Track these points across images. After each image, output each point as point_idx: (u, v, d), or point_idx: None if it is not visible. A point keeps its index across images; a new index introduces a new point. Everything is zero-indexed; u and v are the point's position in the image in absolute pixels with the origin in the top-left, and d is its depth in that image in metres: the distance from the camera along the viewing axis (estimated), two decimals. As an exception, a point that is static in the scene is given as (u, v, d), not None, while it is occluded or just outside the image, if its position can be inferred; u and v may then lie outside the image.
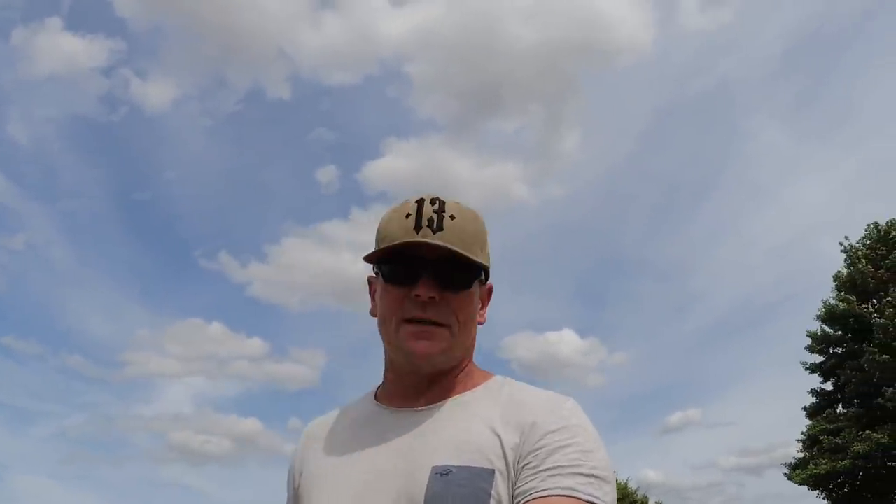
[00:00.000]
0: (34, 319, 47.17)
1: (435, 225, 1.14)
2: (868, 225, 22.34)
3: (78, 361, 43.07)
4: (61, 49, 41.90)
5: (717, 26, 45.81)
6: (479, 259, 1.17)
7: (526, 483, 1.03)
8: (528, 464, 1.05)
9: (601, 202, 54.32)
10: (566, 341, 45.10)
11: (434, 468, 1.06)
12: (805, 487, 22.63)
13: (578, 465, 1.03)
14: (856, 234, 22.62)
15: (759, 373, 47.03)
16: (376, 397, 1.27)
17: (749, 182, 48.42)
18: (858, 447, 20.08)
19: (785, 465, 23.71)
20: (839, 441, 21.00)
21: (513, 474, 1.05)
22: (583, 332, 49.07)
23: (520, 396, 1.16)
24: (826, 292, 23.21)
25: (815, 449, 22.27)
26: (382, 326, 1.21)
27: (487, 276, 1.25)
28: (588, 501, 1.00)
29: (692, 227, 49.10)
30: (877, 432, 20.00)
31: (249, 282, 47.52)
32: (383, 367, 1.27)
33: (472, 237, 1.17)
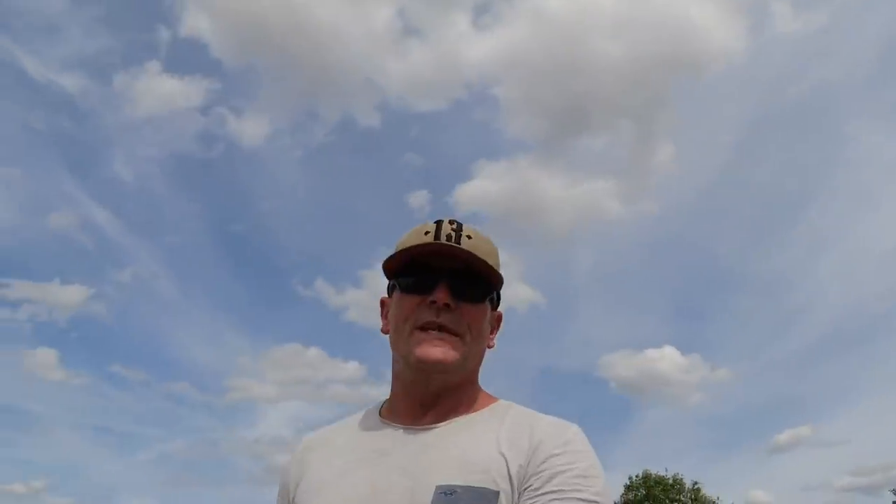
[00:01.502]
0: (141, 348, 50.90)
1: (453, 240, 1.19)
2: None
3: (183, 388, 46.17)
4: (160, 90, 45.61)
5: (811, 30, 45.45)
6: (494, 274, 1.21)
7: None
8: (529, 486, 1.07)
9: (697, 216, 53.46)
10: (667, 358, 44.65)
11: (438, 487, 1.07)
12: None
13: (579, 490, 1.05)
14: None
15: (873, 387, 45.92)
16: (381, 413, 1.28)
17: (853, 188, 47.45)
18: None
19: (893, 491, 23.99)
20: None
21: (515, 495, 1.07)
22: (684, 349, 48.30)
23: (525, 420, 1.18)
24: None
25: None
26: (395, 335, 1.23)
27: (499, 300, 1.29)
28: None
29: (794, 237, 48.40)
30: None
31: (345, 307, 49.55)
32: (391, 384, 1.29)
33: (487, 256, 1.20)
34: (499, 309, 1.31)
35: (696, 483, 30.71)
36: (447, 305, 1.18)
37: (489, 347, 1.29)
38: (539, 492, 1.06)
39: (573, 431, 1.15)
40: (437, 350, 1.17)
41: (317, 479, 1.21)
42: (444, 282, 1.19)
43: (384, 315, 1.30)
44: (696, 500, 30.06)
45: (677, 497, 30.39)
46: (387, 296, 1.31)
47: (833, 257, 47.04)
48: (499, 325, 1.32)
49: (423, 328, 1.19)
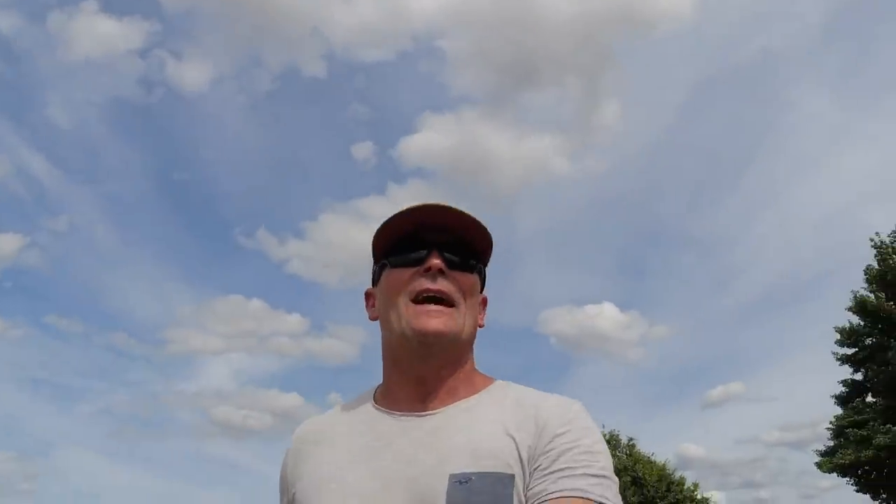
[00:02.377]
0: (78, 299, 49.23)
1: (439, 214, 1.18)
2: (900, 220, 22.57)
3: (122, 339, 45.47)
4: (98, 32, 42.73)
5: None
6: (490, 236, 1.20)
7: (537, 485, 1.04)
8: (538, 466, 1.06)
9: (641, 175, 54.19)
10: (606, 315, 44.90)
11: (452, 476, 1.05)
12: (834, 474, 23.32)
13: (588, 466, 1.05)
14: None
15: (803, 347, 47.08)
16: (375, 399, 1.25)
17: (793, 153, 47.83)
18: (881, 440, 20.67)
19: (815, 451, 24.36)
20: (864, 433, 21.58)
21: (527, 477, 1.06)
22: (623, 306, 49.16)
23: (527, 399, 1.16)
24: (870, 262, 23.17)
25: (841, 439, 22.87)
26: (389, 311, 1.20)
27: (484, 283, 1.28)
28: (598, 502, 1.02)
29: (734, 199, 48.84)
30: (900, 426, 20.55)
31: (288, 259, 48.45)
32: (383, 369, 1.26)
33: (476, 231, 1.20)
34: (484, 290, 1.29)
35: (631, 439, 31.15)
36: (441, 272, 1.16)
37: (480, 326, 1.26)
38: (548, 471, 1.05)
39: (576, 409, 1.15)
40: (435, 321, 1.15)
41: (318, 474, 1.17)
42: (436, 250, 1.18)
43: (370, 306, 1.29)
44: (630, 455, 30.41)
45: (613, 452, 30.66)
46: (371, 287, 1.29)
47: (771, 220, 47.88)
48: (485, 308, 1.30)
49: (418, 300, 1.16)
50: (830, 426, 23.86)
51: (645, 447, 31.79)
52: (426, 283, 1.16)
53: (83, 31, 43.80)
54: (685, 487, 30.55)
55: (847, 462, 22.03)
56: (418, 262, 1.18)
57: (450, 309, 1.17)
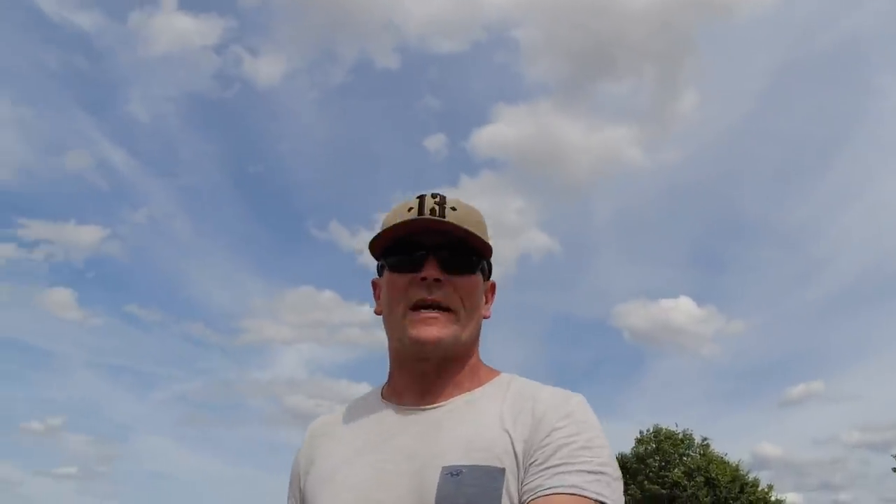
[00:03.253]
0: (156, 289, 52.72)
1: (437, 214, 1.17)
2: None
3: (198, 328, 47.94)
4: (175, 29, 45.20)
5: None
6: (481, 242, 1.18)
7: (532, 480, 1.03)
8: (534, 461, 1.05)
9: (720, 164, 53.92)
10: (681, 309, 44.48)
11: (444, 468, 1.06)
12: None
13: (585, 462, 1.04)
14: None
15: (888, 344, 47.20)
16: (383, 395, 1.26)
17: (879, 142, 47.31)
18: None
19: (895, 456, 24.47)
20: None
21: (521, 471, 1.05)
22: (699, 300, 48.99)
23: (527, 392, 1.16)
24: None
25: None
26: (388, 317, 1.22)
27: (490, 271, 1.28)
28: (594, 499, 1.01)
29: (817, 190, 48.44)
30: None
31: (360, 250, 47.86)
32: (388, 365, 1.27)
33: (474, 227, 1.18)
34: (492, 278, 1.29)
35: (705, 439, 31.30)
36: (437, 280, 1.16)
37: (485, 318, 1.27)
38: (544, 466, 1.04)
39: (575, 402, 1.13)
40: (431, 329, 1.15)
41: (324, 466, 1.21)
42: (433, 256, 1.17)
43: (376, 296, 1.29)
44: (704, 455, 30.67)
45: (686, 452, 31.07)
46: (377, 276, 1.29)
47: (855, 211, 47.09)
48: (493, 295, 1.30)
49: (416, 307, 1.17)
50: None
51: (719, 446, 31.70)
52: (422, 293, 1.16)
53: (162, 29, 46.13)
54: (759, 489, 30.71)
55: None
56: (414, 268, 1.17)
57: (448, 314, 1.17)
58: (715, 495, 29.02)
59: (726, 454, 31.19)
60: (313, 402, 45.54)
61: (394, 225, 1.17)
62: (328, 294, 48.94)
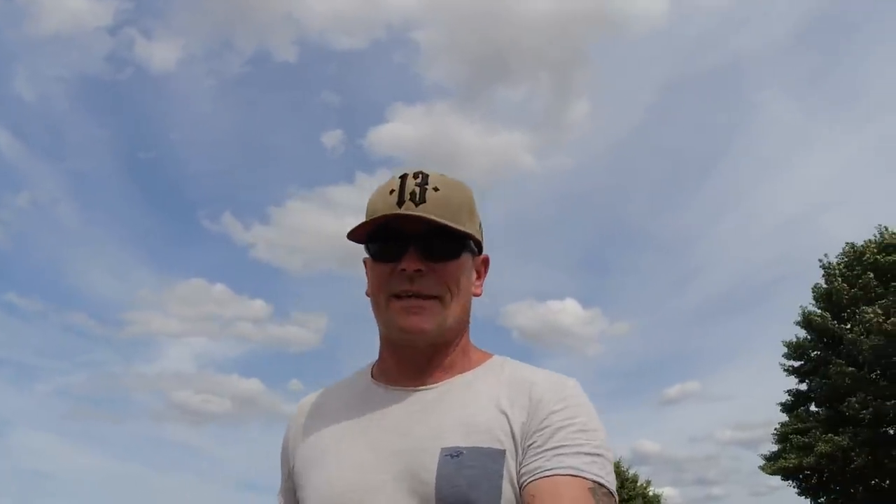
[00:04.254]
0: (38, 277, 47.48)
1: (417, 198, 1.13)
2: (846, 244, 24.17)
3: (81, 319, 44.19)
4: (66, 7, 42.37)
5: (731, 1, 46.44)
6: (466, 228, 1.15)
7: (531, 462, 1.04)
8: (533, 443, 1.06)
9: (608, 173, 54.70)
10: (568, 311, 45.61)
11: (444, 450, 1.06)
12: (777, 477, 25.04)
13: (582, 445, 1.05)
14: (863, 210, 23.51)
15: (759, 347, 48.34)
16: (373, 375, 1.25)
17: (756, 157, 49.14)
18: (822, 448, 22.34)
19: (760, 455, 26.01)
20: (806, 440, 23.27)
21: (520, 453, 1.06)
22: (585, 302, 49.86)
23: (523, 375, 1.16)
24: (835, 252, 24.74)
25: (785, 444, 24.54)
26: (374, 305, 1.21)
27: (480, 247, 1.24)
28: (592, 480, 1.02)
29: (697, 200, 49.82)
30: (839, 435, 22.22)
31: (253, 244, 47.66)
32: (379, 345, 1.26)
33: (457, 208, 1.15)
34: (484, 253, 1.26)
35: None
36: (418, 271, 1.13)
37: (476, 296, 1.25)
38: (542, 448, 1.05)
39: (571, 385, 1.15)
40: (415, 318, 1.14)
41: (315, 446, 1.20)
42: (414, 245, 1.14)
43: (367, 276, 1.25)
44: (588, 452, 31.62)
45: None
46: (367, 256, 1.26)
47: (732, 221, 48.44)
48: (486, 270, 1.28)
49: (399, 296, 1.15)
50: (775, 432, 25.57)
51: None
52: (404, 284, 1.14)
53: (52, 6, 42.95)
54: (638, 484, 32.12)
55: (790, 466, 23.70)
56: (395, 258, 1.15)
57: (433, 301, 1.15)
58: (597, 491, 29.97)
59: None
60: (201, 398, 43.79)
61: (367, 221, 1.15)
62: (219, 287, 46.23)
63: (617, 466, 31.57)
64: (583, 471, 1.02)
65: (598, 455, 1.05)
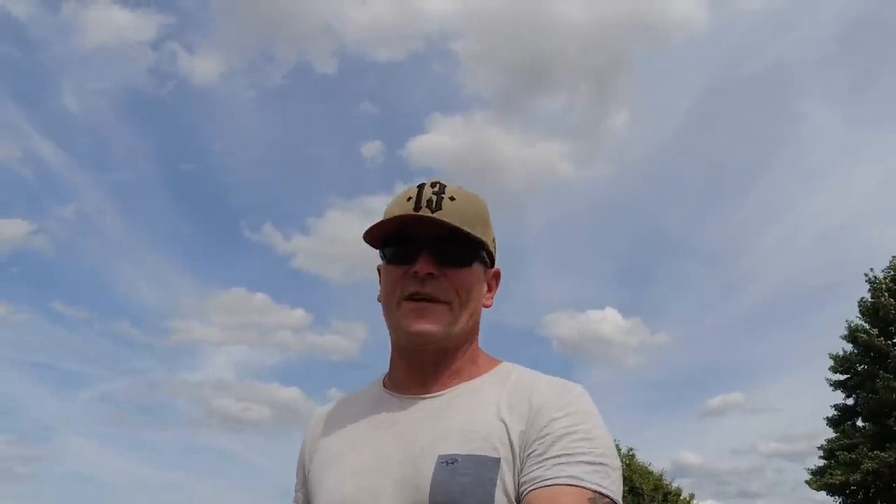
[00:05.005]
0: (83, 286, 48.55)
1: (434, 205, 1.15)
2: (892, 257, 23.93)
3: (125, 328, 45.01)
4: (111, 22, 43.14)
5: (773, 7, 45.50)
6: (480, 237, 1.16)
7: (531, 471, 1.03)
8: (533, 451, 1.05)
9: (648, 182, 53.98)
10: (608, 320, 44.66)
11: (440, 457, 1.06)
12: (823, 493, 24.77)
13: (584, 453, 1.03)
14: None
15: (804, 359, 47.50)
16: (384, 384, 1.27)
17: (800, 166, 48.05)
18: (868, 465, 22.09)
19: (807, 469, 25.77)
20: (853, 456, 23.00)
21: (518, 462, 1.05)
22: (625, 312, 48.91)
23: (527, 382, 1.15)
24: (877, 270, 24.54)
25: (832, 460, 24.30)
26: (385, 308, 1.22)
27: (493, 259, 1.26)
28: (593, 490, 1.00)
29: (740, 209, 48.58)
30: (886, 451, 21.96)
31: (293, 254, 48.50)
32: (390, 355, 1.28)
33: (472, 217, 1.17)
34: (496, 266, 1.28)
35: (630, 449, 32.16)
36: (430, 275, 1.15)
37: (486, 307, 1.26)
38: (543, 457, 1.04)
39: (575, 393, 1.13)
40: (424, 322, 1.15)
41: (328, 452, 1.23)
42: (427, 250, 1.16)
43: (381, 283, 1.28)
44: (629, 465, 31.52)
45: (612, 462, 31.64)
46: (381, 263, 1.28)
47: (776, 231, 47.51)
48: (497, 283, 1.29)
49: (410, 299, 1.17)
50: (821, 447, 25.30)
51: (642, 455, 32.42)
52: (416, 287, 1.15)
53: (97, 21, 44.10)
54: (681, 498, 31.79)
55: (836, 482, 23.45)
56: (408, 260, 1.17)
57: (442, 306, 1.16)
58: (639, 504, 29.90)
59: (650, 464, 32.17)
60: (242, 406, 44.61)
61: (383, 220, 1.17)
62: (260, 296, 46.95)
63: (659, 479, 31.22)
64: (584, 480, 1.01)
65: (600, 464, 1.03)
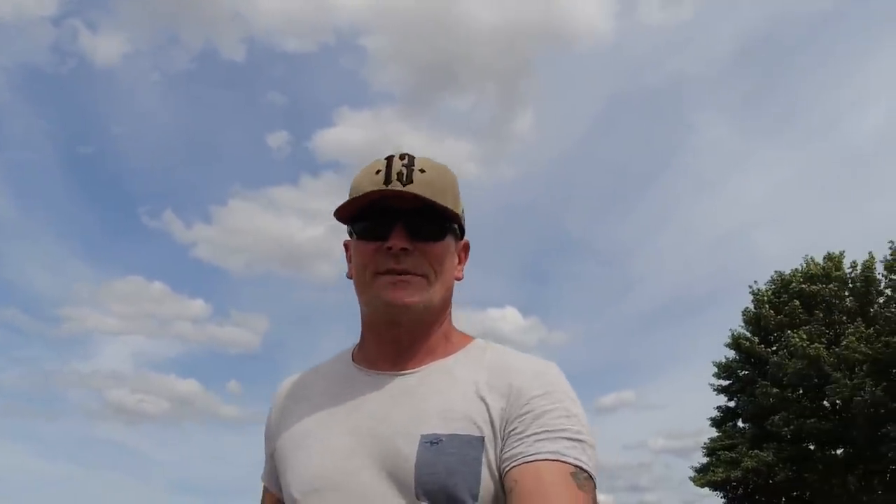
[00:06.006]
0: None
1: (405, 178, 1.13)
2: (774, 272, 25.93)
3: (15, 314, 43.18)
4: None
5: (675, 23, 47.64)
6: (452, 209, 1.16)
7: (513, 448, 1.05)
8: (514, 429, 1.06)
9: (550, 184, 55.50)
10: (508, 319, 44.97)
11: (423, 437, 1.06)
12: (706, 489, 26.55)
13: (564, 430, 1.05)
14: (795, 228, 24.93)
15: (693, 359, 49.42)
16: (353, 359, 1.25)
17: (693, 174, 50.25)
18: (748, 463, 23.88)
19: (692, 468, 27.49)
20: (733, 455, 24.78)
21: (500, 440, 1.06)
22: (525, 311, 49.80)
23: (504, 360, 1.16)
24: (764, 278, 26.57)
25: (714, 458, 26.06)
26: (358, 283, 1.20)
27: (463, 231, 1.25)
28: (574, 465, 1.03)
29: (636, 213, 50.64)
30: (764, 451, 23.81)
31: (194, 242, 47.50)
32: (360, 329, 1.25)
33: (442, 190, 1.16)
34: (465, 238, 1.28)
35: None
36: (404, 249, 1.14)
37: (457, 279, 1.25)
38: (524, 434, 1.06)
39: (553, 372, 1.15)
40: (401, 293, 1.14)
41: (296, 430, 1.20)
42: (400, 224, 1.15)
43: (348, 258, 1.26)
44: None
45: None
46: (349, 238, 1.25)
47: (670, 235, 49.93)
48: (466, 255, 1.29)
49: (385, 273, 1.15)
50: (704, 446, 27.08)
51: None
52: (390, 263, 1.14)
53: None
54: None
55: (718, 479, 25.11)
56: (381, 236, 1.15)
57: (418, 278, 1.15)
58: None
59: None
60: (137, 398, 42.75)
61: (353, 199, 1.15)
62: (158, 285, 45.60)
63: None
64: (565, 455, 1.03)
65: (579, 440, 1.06)
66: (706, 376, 27.12)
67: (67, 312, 46.93)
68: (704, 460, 26.84)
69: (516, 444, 1.05)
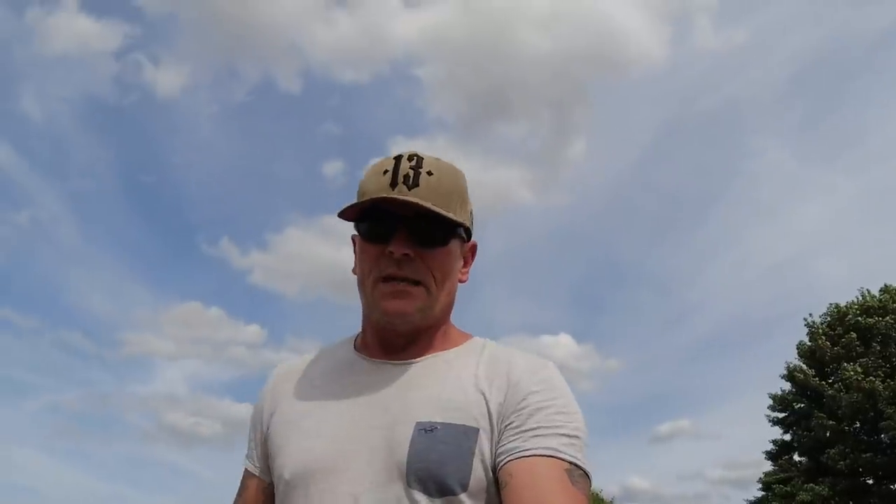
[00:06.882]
0: (35, 294, 47.15)
1: (411, 181, 1.12)
2: (830, 304, 25.74)
3: (76, 338, 43.38)
4: (75, 30, 42.74)
5: (730, 47, 46.14)
6: (457, 216, 1.14)
7: (509, 442, 1.05)
8: (510, 423, 1.07)
9: (604, 211, 54.31)
10: (562, 345, 43.78)
11: (418, 424, 1.06)
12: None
13: (560, 426, 1.06)
14: (854, 256, 24.69)
15: (751, 388, 48.24)
16: (356, 346, 1.26)
17: (751, 200, 48.95)
18: (803, 496, 23.62)
19: (746, 501, 27.30)
20: (788, 489, 24.52)
21: (496, 433, 1.07)
22: (579, 338, 48.98)
23: (503, 357, 1.17)
24: (820, 310, 26.30)
25: (768, 493, 25.82)
26: (360, 285, 1.20)
27: (469, 234, 1.23)
28: (569, 462, 1.03)
29: (692, 240, 49.60)
30: (819, 485, 23.55)
31: (250, 269, 47.40)
32: (361, 319, 1.25)
33: (449, 193, 1.15)
34: (472, 239, 1.27)
35: (581, 477, 32.98)
36: (406, 255, 1.13)
37: (461, 282, 1.26)
38: (521, 429, 1.07)
39: (550, 368, 1.16)
40: (399, 303, 1.15)
41: (292, 410, 1.21)
42: (403, 229, 1.14)
43: (355, 252, 1.26)
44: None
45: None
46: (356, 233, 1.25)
47: (725, 263, 48.48)
48: (473, 256, 1.29)
49: (386, 279, 1.15)
50: (760, 480, 26.82)
51: (593, 479, 31.04)
52: (391, 268, 1.14)
53: (61, 28, 43.49)
54: (627, 525, 32.85)
55: (774, 513, 25.01)
56: (383, 239, 1.14)
57: (417, 287, 1.15)
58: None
59: (601, 490, 33.19)
60: (193, 420, 43.38)
61: (358, 203, 1.15)
62: (215, 311, 45.95)
63: (595, 497, 32.02)
64: (560, 452, 1.04)
65: (575, 437, 1.07)
66: (762, 405, 26.93)
67: (127, 337, 47.62)
68: (759, 494, 26.66)
69: (512, 438, 1.07)
